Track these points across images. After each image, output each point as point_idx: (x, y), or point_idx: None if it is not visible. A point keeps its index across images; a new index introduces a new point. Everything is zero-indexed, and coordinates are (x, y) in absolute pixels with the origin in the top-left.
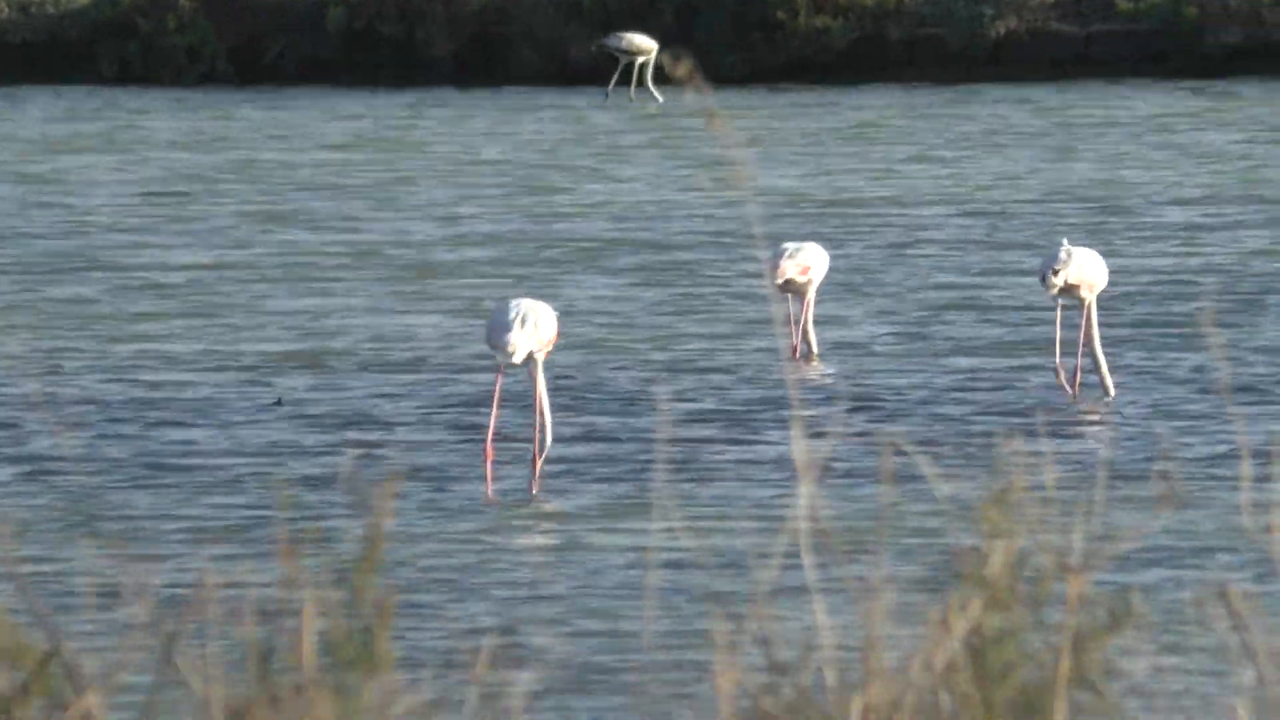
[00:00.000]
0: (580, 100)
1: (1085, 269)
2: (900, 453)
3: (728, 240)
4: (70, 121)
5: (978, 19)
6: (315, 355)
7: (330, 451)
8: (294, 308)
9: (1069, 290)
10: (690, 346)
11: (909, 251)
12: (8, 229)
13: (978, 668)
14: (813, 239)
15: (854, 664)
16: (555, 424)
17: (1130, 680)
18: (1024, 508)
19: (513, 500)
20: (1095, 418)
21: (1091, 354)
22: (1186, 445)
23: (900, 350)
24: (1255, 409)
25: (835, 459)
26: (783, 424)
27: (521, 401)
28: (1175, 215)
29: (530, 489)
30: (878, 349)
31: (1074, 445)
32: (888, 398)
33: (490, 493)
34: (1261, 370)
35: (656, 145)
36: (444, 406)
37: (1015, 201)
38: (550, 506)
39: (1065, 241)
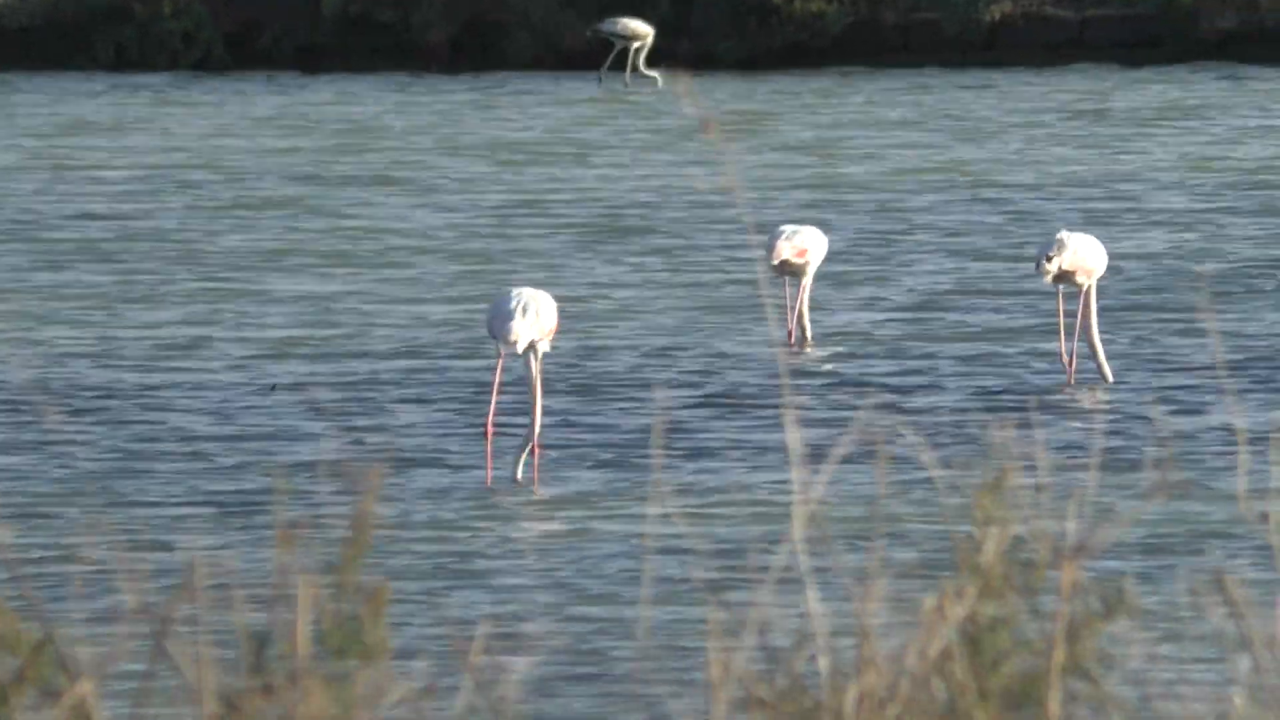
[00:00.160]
0: (576, 86)
1: (1081, 255)
2: (895, 438)
3: (724, 226)
4: (68, 106)
5: (973, 4)
6: (312, 341)
7: (326, 437)
8: (290, 293)
9: (1065, 277)
10: (687, 332)
11: (906, 237)
12: (6, 213)
13: (972, 656)
14: (809, 224)
15: (848, 652)
16: (552, 410)
17: (1125, 668)
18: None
19: (509, 487)
20: (1092, 404)
21: (1089, 341)
22: (1183, 431)
23: (896, 336)
24: (1253, 395)
25: (830, 446)
26: (779, 410)
27: (520, 388)
28: (1171, 201)
29: (515, 475)
30: (874, 335)
31: (1070, 432)
32: (883, 384)
33: (489, 479)
34: (1259, 356)
35: (652, 131)
36: (441, 393)
37: (1012, 187)
38: (546, 493)
39: (1064, 228)
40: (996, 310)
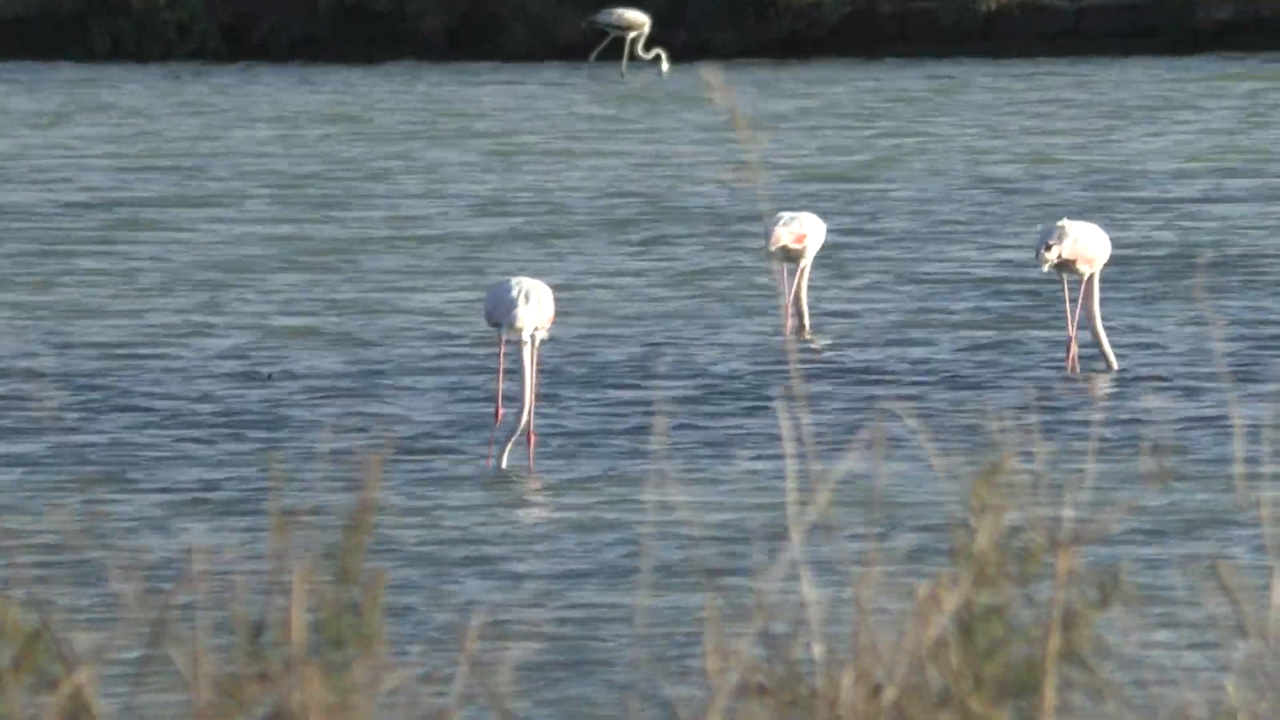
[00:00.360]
0: (573, 77)
1: (1081, 244)
2: (894, 425)
3: (724, 214)
4: (64, 96)
5: None
6: (310, 330)
7: (325, 425)
8: (287, 282)
9: (1066, 265)
10: (686, 320)
11: (905, 225)
12: (2, 202)
13: (967, 644)
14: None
15: (844, 639)
16: (553, 398)
17: (1121, 655)
18: (1015, 482)
19: (508, 475)
20: (1091, 392)
21: (1092, 329)
22: (1180, 419)
23: (896, 323)
24: (1250, 383)
25: (828, 433)
26: (776, 398)
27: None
28: (1168, 190)
29: (500, 464)
30: (873, 323)
31: (1069, 419)
32: (882, 371)
33: (490, 465)
34: (1257, 345)
35: (650, 119)
36: (440, 381)
37: (1011, 175)
38: (546, 481)
39: (1065, 217)
40: (996, 297)
